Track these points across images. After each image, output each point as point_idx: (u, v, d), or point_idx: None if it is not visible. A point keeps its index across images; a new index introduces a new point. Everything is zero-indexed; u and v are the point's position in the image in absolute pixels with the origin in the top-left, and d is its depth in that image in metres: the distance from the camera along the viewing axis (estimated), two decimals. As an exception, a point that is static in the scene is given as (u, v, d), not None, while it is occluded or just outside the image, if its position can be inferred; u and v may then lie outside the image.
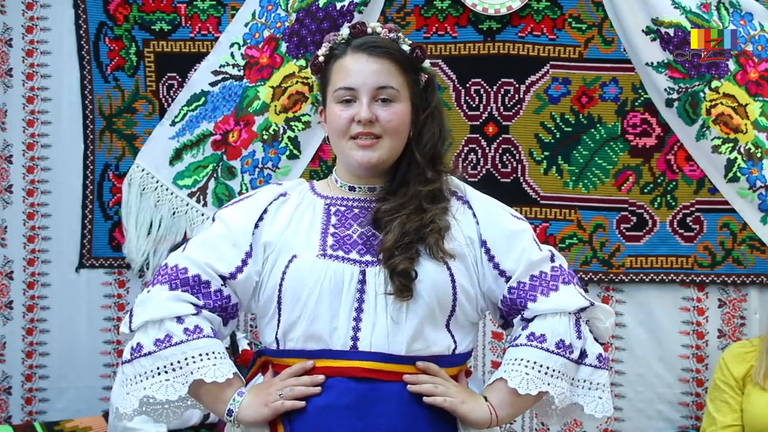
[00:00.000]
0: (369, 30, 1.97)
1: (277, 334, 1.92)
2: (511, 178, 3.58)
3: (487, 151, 3.58)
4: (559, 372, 1.91)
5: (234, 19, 3.60)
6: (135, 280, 3.68)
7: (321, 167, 3.61)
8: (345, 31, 1.98)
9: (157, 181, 3.62)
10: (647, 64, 3.46)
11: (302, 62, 3.54)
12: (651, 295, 3.56)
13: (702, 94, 3.44)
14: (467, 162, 3.56)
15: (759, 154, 3.46)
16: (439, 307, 1.89)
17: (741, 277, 3.53)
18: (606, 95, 3.54)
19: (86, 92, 3.68)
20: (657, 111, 3.51)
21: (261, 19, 3.57)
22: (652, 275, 3.55)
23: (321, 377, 1.86)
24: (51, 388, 3.73)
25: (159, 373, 1.87)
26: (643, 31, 3.44)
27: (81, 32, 3.66)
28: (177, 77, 3.64)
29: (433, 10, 3.56)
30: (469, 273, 1.93)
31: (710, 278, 3.54)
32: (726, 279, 3.54)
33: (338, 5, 3.49)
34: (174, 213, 3.63)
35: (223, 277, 1.93)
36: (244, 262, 1.93)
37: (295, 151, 3.59)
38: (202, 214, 3.59)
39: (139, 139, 3.66)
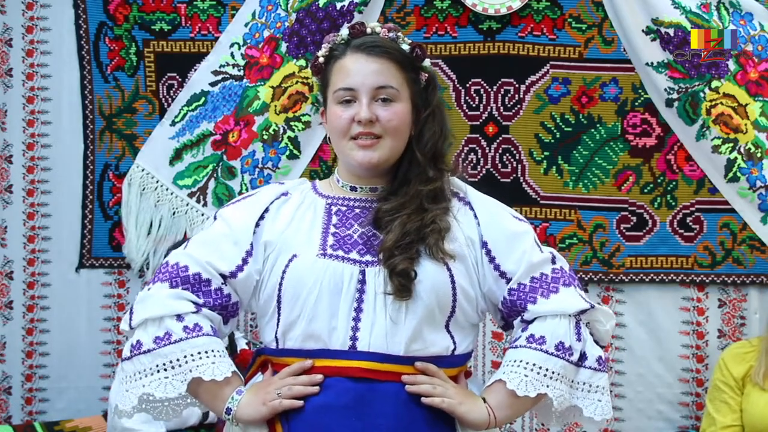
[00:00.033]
0: (368, 30, 1.97)
1: (276, 333, 1.92)
2: (511, 178, 3.58)
3: (487, 151, 3.58)
4: (558, 374, 1.91)
5: (234, 19, 3.60)
6: (135, 280, 3.68)
7: (321, 167, 3.61)
8: (344, 31, 1.98)
9: (157, 181, 3.62)
10: (647, 64, 3.46)
11: (302, 62, 3.54)
12: (651, 295, 3.56)
13: (702, 94, 3.44)
14: (467, 162, 3.56)
15: (759, 154, 3.46)
16: (438, 308, 1.89)
17: (741, 277, 3.53)
18: (606, 95, 3.54)
19: (86, 92, 3.68)
20: (657, 111, 3.51)
21: (261, 19, 3.57)
22: (652, 275, 3.55)
23: (319, 377, 1.86)
24: (51, 388, 3.73)
25: (158, 371, 1.87)
26: (643, 31, 3.44)
27: (81, 32, 3.66)
28: (177, 77, 3.64)
29: (433, 10, 3.56)
30: (470, 274, 1.93)
31: (710, 278, 3.54)
32: (726, 279, 3.54)
33: (338, 5, 3.49)
34: (174, 213, 3.63)
35: (223, 276, 1.93)
36: (245, 261, 1.93)
37: (295, 151, 3.59)
38: (202, 214, 3.59)
39: (139, 139, 3.66)
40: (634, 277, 3.56)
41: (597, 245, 3.56)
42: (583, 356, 1.95)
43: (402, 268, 1.86)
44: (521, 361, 1.91)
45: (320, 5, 3.50)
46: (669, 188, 3.54)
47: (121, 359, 1.95)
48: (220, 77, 3.59)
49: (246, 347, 3.27)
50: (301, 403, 1.86)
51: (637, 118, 3.53)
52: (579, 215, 3.56)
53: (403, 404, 1.86)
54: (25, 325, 3.73)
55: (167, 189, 3.62)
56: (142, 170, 3.63)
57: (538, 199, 3.57)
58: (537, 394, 1.90)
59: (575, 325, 1.94)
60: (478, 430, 1.91)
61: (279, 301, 1.91)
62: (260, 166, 3.59)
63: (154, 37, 3.64)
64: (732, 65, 3.45)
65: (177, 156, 3.61)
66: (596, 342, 1.98)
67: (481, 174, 3.56)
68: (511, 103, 3.56)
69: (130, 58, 3.66)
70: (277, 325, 1.92)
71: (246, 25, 3.58)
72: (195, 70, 3.61)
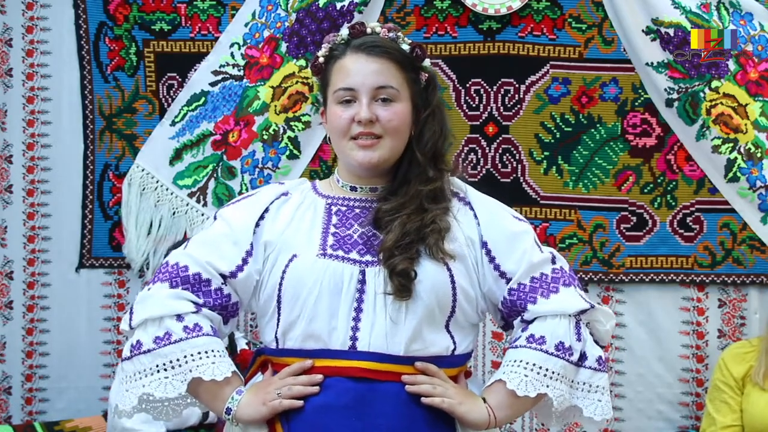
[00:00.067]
0: (368, 30, 1.97)
1: (276, 333, 1.92)
2: (511, 178, 3.57)
3: (487, 151, 3.58)
4: (558, 374, 1.91)
5: (234, 19, 3.60)
6: (135, 280, 3.68)
7: (321, 167, 3.61)
8: (344, 31, 1.98)
9: (157, 181, 3.62)
10: (647, 64, 3.46)
11: (302, 62, 3.54)
12: (651, 295, 3.56)
13: (702, 94, 3.44)
14: (467, 162, 3.56)
15: (759, 154, 3.46)
16: (438, 308, 1.89)
17: (741, 277, 3.53)
18: (606, 95, 3.54)
19: (86, 92, 3.68)
20: (657, 111, 3.51)
21: (261, 19, 3.57)
22: (652, 275, 3.55)
23: (319, 377, 1.86)
24: (51, 388, 3.73)
25: (158, 371, 1.87)
26: (643, 31, 3.44)
27: (81, 32, 3.66)
28: (177, 77, 3.64)
29: (433, 10, 3.56)
30: (470, 274, 1.93)
31: (710, 278, 3.54)
32: (726, 279, 3.54)
33: (338, 5, 3.49)
34: (174, 213, 3.63)
35: (223, 276, 1.93)
36: (245, 261, 1.93)
37: (295, 151, 3.59)
38: (202, 214, 3.59)
39: (139, 139, 3.66)
40: (634, 277, 3.56)
41: (597, 245, 3.56)
42: (583, 356, 1.95)
43: (402, 268, 1.86)
44: (521, 361, 1.91)
45: (320, 5, 3.50)
46: (669, 188, 3.54)
47: (121, 359, 1.95)
48: (220, 77, 3.59)
49: (246, 347, 3.27)
50: (301, 403, 1.86)
51: (637, 118, 3.53)
52: (579, 215, 3.56)
53: (403, 404, 1.86)
54: (25, 325, 3.73)
55: (167, 189, 3.62)
56: (142, 170, 3.63)
57: (538, 199, 3.57)
58: (537, 394, 1.90)
59: (575, 325, 1.94)
60: (478, 430, 1.91)
61: (279, 301, 1.91)
62: (260, 166, 3.59)
63: (154, 37, 3.64)
64: (732, 65, 3.45)
65: (177, 156, 3.61)
66: (596, 342, 1.98)
67: (481, 174, 3.56)
68: (511, 103, 3.56)
69: (130, 58, 3.66)
70: (277, 325, 1.92)
71: (246, 25, 3.58)
72: (195, 70, 3.61)
